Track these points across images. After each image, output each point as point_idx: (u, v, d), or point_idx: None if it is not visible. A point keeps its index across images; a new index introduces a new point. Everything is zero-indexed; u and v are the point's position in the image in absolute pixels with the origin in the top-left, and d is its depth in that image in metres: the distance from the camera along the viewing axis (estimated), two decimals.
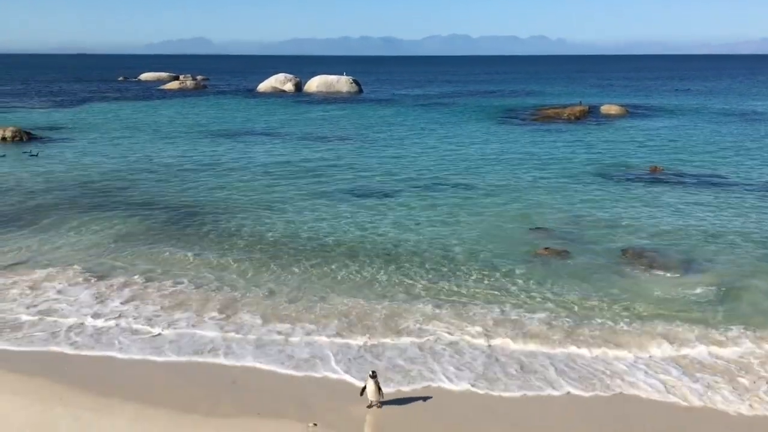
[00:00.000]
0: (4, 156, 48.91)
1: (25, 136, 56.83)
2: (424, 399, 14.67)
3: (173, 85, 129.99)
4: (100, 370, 16.02)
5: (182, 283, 22.22)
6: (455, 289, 21.69)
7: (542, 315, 19.51)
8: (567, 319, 19.23)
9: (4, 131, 56.96)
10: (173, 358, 16.72)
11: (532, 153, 50.68)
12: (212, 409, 14.12)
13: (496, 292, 21.33)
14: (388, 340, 17.78)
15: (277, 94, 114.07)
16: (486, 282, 22.30)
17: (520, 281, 22.33)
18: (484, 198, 35.14)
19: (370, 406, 13.93)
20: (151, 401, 14.34)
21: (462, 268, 23.71)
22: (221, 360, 16.63)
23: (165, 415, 13.79)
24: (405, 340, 17.78)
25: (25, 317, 19.11)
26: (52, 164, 45.94)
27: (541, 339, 17.89)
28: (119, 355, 16.82)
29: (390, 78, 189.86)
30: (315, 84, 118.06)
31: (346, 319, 19.21)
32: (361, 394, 13.96)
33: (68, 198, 35.16)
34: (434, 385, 15.34)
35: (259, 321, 19.11)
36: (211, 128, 66.79)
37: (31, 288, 21.52)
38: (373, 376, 13.79)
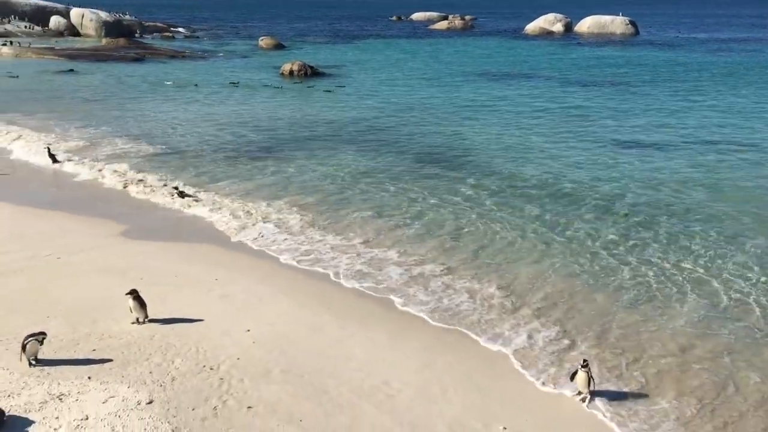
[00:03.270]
0: (280, 87, 53.81)
1: (309, 71, 62.03)
2: None
3: (441, 25, 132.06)
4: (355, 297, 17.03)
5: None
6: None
7: None
8: None
9: (292, 65, 62.71)
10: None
11: None
12: None
13: None
14: None
15: (545, 35, 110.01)
16: None
17: None
18: None
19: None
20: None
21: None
22: None
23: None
24: None
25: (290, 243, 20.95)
26: (329, 98, 49.57)
27: None
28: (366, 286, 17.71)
29: (670, 20, 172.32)
30: (586, 25, 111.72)
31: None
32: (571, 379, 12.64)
33: (334, 132, 37.54)
34: None
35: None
36: (475, 70, 66.71)
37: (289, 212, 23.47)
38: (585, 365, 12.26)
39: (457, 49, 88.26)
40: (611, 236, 20.65)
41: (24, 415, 11.03)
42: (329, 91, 52.40)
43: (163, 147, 32.31)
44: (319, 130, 37.30)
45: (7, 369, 12.38)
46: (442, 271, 18.09)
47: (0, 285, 16.10)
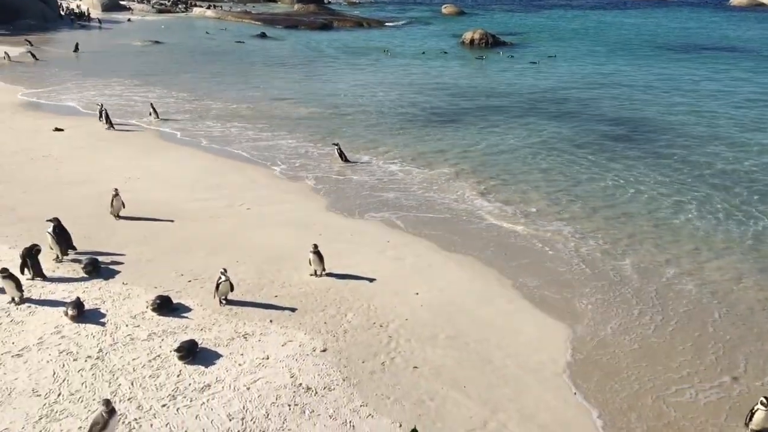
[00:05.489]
0: (483, 58, 53.42)
1: (490, 40, 61.08)
2: None
3: None
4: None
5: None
6: None
7: None
8: None
9: (473, 34, 62.06)
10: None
11: None
12: None
13: None
14: None
15: (753, 7, 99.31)
16: None
17: None
18: None
19: None
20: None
21: None
22: None
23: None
24: None
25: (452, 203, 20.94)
26: (509, 68, 48.56)
27: None
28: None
29: None
30: None
31: None
32: None
33: (513, 102, 36.81)
34: None
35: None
36: (669, 43, 61.97)
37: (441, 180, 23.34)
38: None
39: (648, 20, 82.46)
40: None
41: (214, 349, 12.14)
42: (510, 60, 51.38)
43: (346, 110, 33.61)
44: (498, 100, 36.84)
45: (202, 306, 13.66)
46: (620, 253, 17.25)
47: (201, 229, 17.74)
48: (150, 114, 30.49)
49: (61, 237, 15.37)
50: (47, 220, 15.62)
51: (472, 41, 61.15)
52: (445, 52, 56.43)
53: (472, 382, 11.61)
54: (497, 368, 12.04)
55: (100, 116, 28.70)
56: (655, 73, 45.86)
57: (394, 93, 38.55)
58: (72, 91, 36.62)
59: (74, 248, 15.63)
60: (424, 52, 56.25)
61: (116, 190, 18.08)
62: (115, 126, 28.30)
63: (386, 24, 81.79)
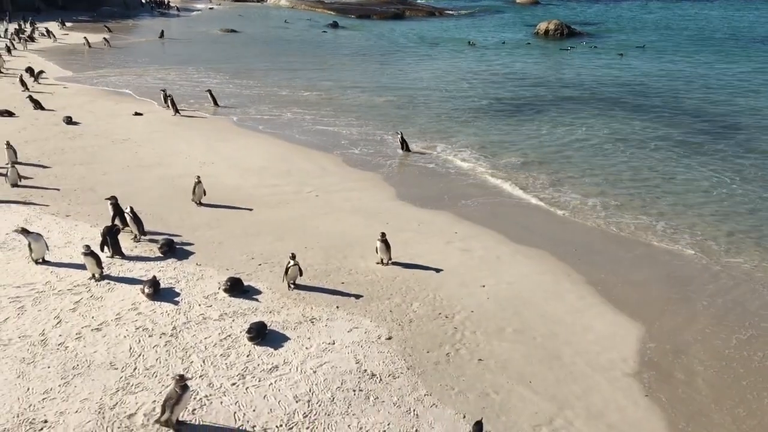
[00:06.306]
0: (568, 49, 52.36)
1: (566, 30, 59.69)
2: None
3: None
4: None
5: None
6: None
7: None
8: None
9: (548, 24, 60.79)
10: None
11: None
12: None
13: None
14: None
15: None
16: None
17: None
18: None
19: None
20: None
21: None
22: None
23: None
24: None
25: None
26: (584, 60, 47.33)
27: None
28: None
29: None
30: None
31: None
32: None
33: (598, 94, 35.86)
34: None
35: None
36: (758, 37, 59.01)
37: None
38: None
39: (736, 13, 78.73)
40: None
41: (282, 331, 12.35)
42: (594, 51, 50.15)
43: (422, 99, 33.52)
44: (582, 92, 36.15)
45: (271, 289, 13.90)
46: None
47: (272, 214, 18.06)
48: (210, 102, 31.01)
49: (138, 218, 15.92)
50: (106, 199, 16.37)
51: (546, 31, 59.94)
52: (528, 43, 55.58)
53: (539, 377, 11.42)
54: (565, 365, 11.80)
55: (165, 102, 29.52)
56: (748, 69, 43.82)
57: (473, 83, 38.29)
58: (150, 76, 37.84)
59: (122, 229, 15.99)
60: (504, 42, 55.58)
61: (198, 177, 18.49)
62: (180, 112, 28.94)
63: (459, 13, 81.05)
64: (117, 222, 15.88)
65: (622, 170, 22.94)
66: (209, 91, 31.75)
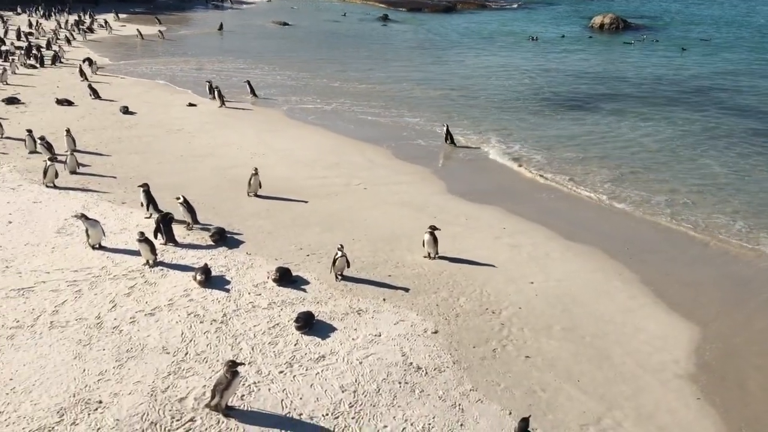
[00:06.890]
0: (632, 43, 51.28)
1: (621, 24, 58.41)
2: None
3: None
4: None
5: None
6: None
7: None
8: None
9: (603, 18, 59.57)
10: None
11: None
12: None
13: None
14: None
15: None
16: None
17: None
18: None
19: None
20: None
21: None
22: None
23: None
24: None
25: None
26: (641, 55, 46.23)
27: None
28: None
29: None
30: None
31: None
32: None
33: (662, 90, 35.00)
34: None
35: None
36: None
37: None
38: None
39: None
40: None
41: (329, 322, 12.44)
42: (647, 46, 48.96)
43: (478, 93, 33.30)
44: (635, 87, 35.48)
45: (319, 280, 14.02)
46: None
47: (321, 206, 18.19)
48: (249, 93, 31.13)
49: (191, 206, 16.24)
50: (138, 186, 16.90)
51: (602, 25, 58.78)
52: (590, 36, 54.63)
53: (588, 376, 11.24)
54: (615, 365, 11.58)
55: (211, 92, 29.90)
56: None
57: (534, 78, 37.84)
58: (205, 68, 38.51)
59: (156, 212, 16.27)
60: (563, 36, 54.74)
61: (255, 169, 18.62)
62: (226, 104, 29.21)
63: (510, 6, 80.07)
64: (151, 209, 16.33)
65: (691, 168, 22.40)
66: (248, 82, 32.03)
